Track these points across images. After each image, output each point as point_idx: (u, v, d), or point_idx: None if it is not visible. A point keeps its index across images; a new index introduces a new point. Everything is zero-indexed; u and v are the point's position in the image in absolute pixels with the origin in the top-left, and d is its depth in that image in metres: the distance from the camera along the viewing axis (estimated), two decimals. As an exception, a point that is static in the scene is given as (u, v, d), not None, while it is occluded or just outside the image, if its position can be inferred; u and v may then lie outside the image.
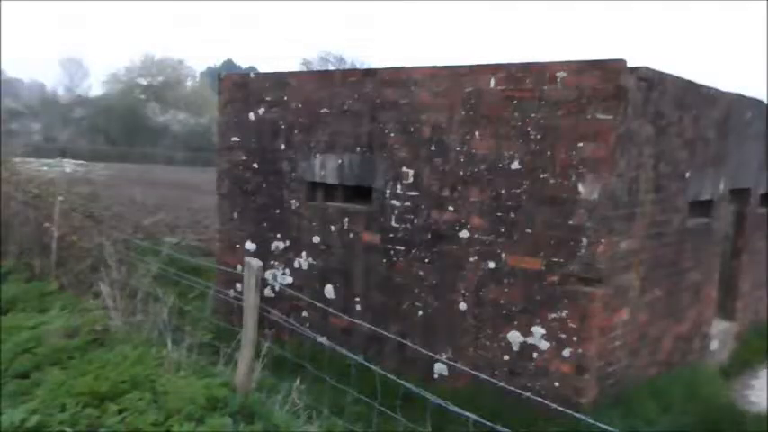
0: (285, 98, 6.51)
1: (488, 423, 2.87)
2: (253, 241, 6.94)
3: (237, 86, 6.95)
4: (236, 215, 7.09)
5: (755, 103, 7.40)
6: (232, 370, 4.53)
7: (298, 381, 4.37)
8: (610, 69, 4.66)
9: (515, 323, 5.11)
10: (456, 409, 2.94)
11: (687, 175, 5.84)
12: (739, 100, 6.88)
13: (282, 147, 6.58)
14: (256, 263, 4.14)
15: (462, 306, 5.41)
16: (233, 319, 5.71)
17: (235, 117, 6.99)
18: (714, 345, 7.06)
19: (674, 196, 5.67)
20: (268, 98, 6.66)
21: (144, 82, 51.59)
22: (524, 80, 4.99)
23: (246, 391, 4.33)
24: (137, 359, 4.41)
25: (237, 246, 7.04)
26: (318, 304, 5.76)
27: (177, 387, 4.04)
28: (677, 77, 5.47)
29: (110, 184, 15.51)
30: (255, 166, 6.85)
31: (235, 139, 7.00)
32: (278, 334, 6.25)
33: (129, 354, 4.49)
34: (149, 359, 4.46)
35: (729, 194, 7.03)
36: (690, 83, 5.71)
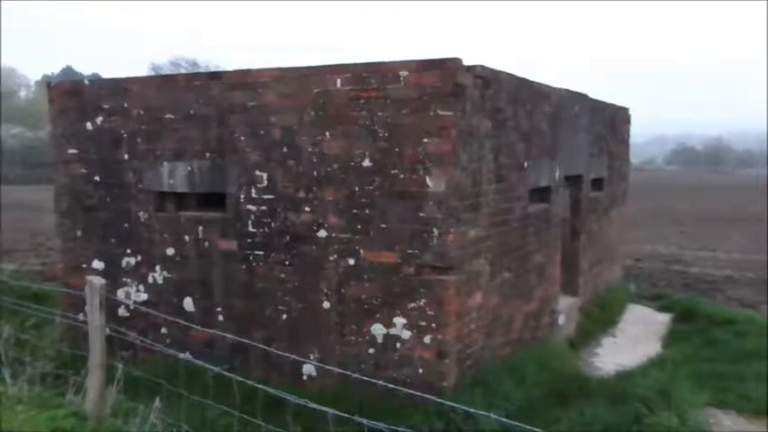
0: (125, 105, 6.15)
1: (346, 416, 2.91)
2: (100, 259, 6.49)
3: (70, 95, 6.47)
4: (79, 233, 6.59)
5: (581, 97, 8.15)
6: (82, 398, 4.24)
7: (157, 401, 4.18)
8: (448, 68, 4.90)
9: (378, 316, 5.23)
10: (315, 405, 2.96)
11: (526, 164, 6.29)
12: (568, 94, 7.54)
13: (126, 156, 6.22)
14: (98, 281, 3.89)
15: (326, 305, 5.44)
16: (83, 344, 5.31)
17: (70, 128, 6.50)
18: (561, 319, 7.68)
19: (515, 185, 6.08)
20: (106, 106, 6.26)
21: (-32, 94, 46.41)
22: (369, 80, 5.11)
23: (99, 418, 4.07)
24: (-35, 399, 3.97)
25: (84, 265, 6.55)
26: (176, 320, 5.52)
27: (17, 423, 3.70)
28: (510, 74, 5.87)
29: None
30: (97, 178, 6.41)
31: (72, 151, 6.51)
32: (136, 355, 5.93)
33: (-43, 395, 4.03)
34: (-18, 398, 4.04)
35: (565, 181, 7.68)
36: (522, 79, 6.15)
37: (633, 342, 8.19)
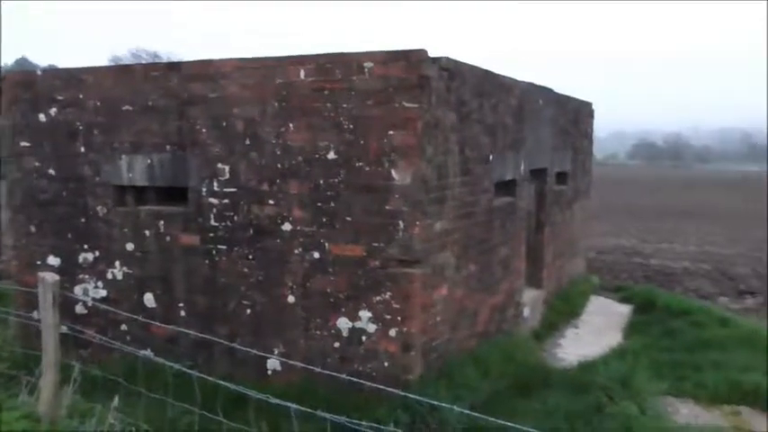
0: (81, 96, 5.95)
1: (310, 411, 2.87)
2: (56, 255, 6.28)
3: (23, 85, 6.23)
4: (33, 229, 6.36)
5: (545, 90, 8.22)
6: (36, 400, 4.09)
7: (115, 400, 4.06)
8: (413, 60, 4.87)
9: (343, 310, 5.18)
10: (277, 401, 2.90)
11: (491, 158, 6.31)
12: (532, 88, 7.59)
13: (82, 149, 6.02)
14: (51, 277, 3.75)
15: (290, 299, 5.37)
16: (37, 343, 5.14)
17: (22, 120, 6.26)
18: (526, 312, 7.75)
19: (480, 178, 6.09)
20: (60, 97, 6.04)
21: None
22: (333, 71, 5.04)
23: (53, 419, 3.94)
24: None
25: (38, 262, 6.33)
26: (136, 316, 5.38)
27: (-35, 427, 3.55)
28: (475, 67, 5.87)
29: None
30: (52, 172, 6.19)
31: (24, 144, 6.27)
32: (94, 353, 5.78)
33: None
34: (-73, 401, 3.87)
35: (529, 174, 7.74)
36: (487, 72, 6.15)
37: (595, 333, 8.33)
